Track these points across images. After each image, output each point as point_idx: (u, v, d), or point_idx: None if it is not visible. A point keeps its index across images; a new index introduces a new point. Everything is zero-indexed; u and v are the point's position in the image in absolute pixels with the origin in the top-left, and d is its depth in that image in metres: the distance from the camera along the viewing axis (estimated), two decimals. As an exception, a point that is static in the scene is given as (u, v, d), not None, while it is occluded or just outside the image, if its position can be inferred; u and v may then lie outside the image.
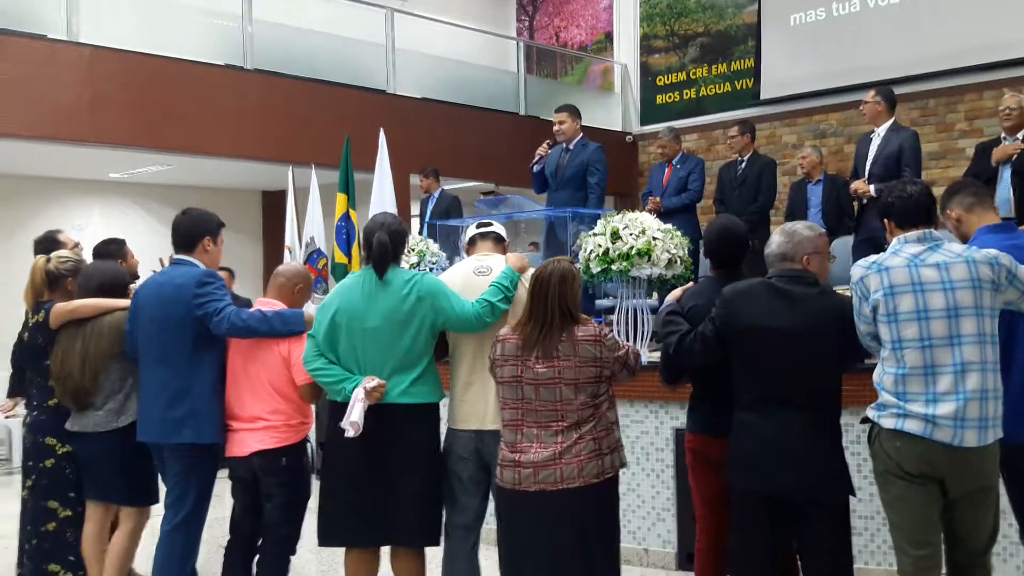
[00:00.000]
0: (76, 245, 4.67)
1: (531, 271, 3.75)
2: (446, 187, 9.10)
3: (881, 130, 6.21)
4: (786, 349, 3.21)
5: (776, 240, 3.41)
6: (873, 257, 3.18)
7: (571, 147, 6.53)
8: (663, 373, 3.71)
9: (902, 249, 3.13)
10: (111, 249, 4.72)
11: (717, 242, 3.73)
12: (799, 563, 3.38)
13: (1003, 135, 5.87)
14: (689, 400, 3.74)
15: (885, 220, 3.26)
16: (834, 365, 3.27)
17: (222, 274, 8.34)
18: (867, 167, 6.19)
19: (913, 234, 3.14)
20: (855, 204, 6.57)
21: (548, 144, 6.59)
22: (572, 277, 3.34)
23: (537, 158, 6.59)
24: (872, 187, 6.01)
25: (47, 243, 4.60)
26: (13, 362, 4.50)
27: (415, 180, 9.65)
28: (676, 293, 3.73)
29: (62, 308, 4.07)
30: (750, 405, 3.29)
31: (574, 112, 6.58)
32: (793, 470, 3.17)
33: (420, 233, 7.81)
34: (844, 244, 6.70)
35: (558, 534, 3.23)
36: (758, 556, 3.30)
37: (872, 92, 6.37)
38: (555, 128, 6.57)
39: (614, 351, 3.31)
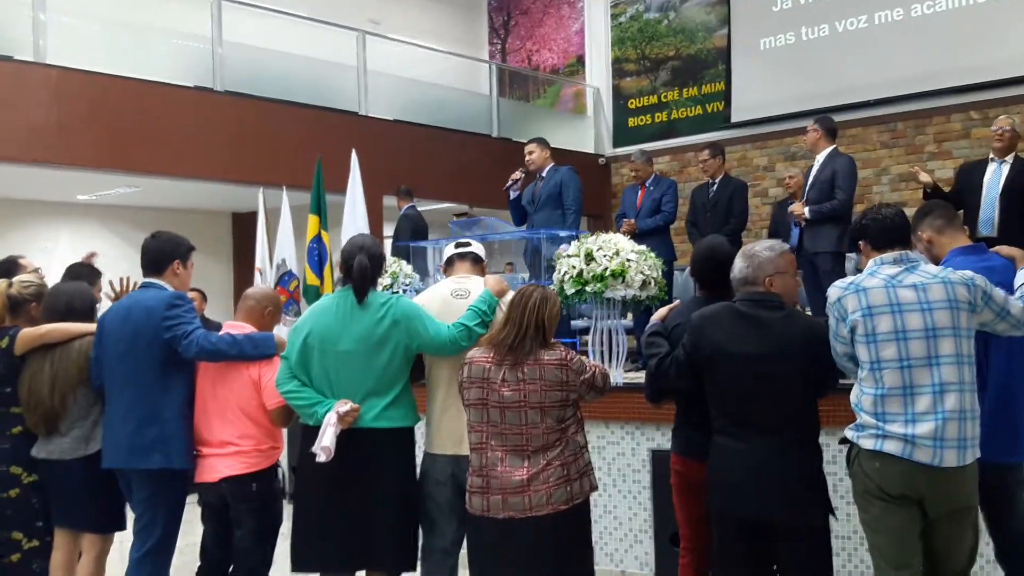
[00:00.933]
0: (36, 270, 4.57)
1: (510, 294, 3.72)
2: (420, 208, 9.07)
3: (820, 157, 6.33)
4: (753, 374, 3.19)
5: (738, 264, 3.37)
6: (850, 278, 3.19)
7: (543, 174, 6.82)
8: (647, 391, 3.69)
9: (879, 271, 3.13)
10: (84, 272, 4.63)
11: (703, 263, 3.71)
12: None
13: (991, 156, 5.93)
14: (675, 421, 3.72)
15: (860, 242, 3.26)
16: (803, 388, 3.22)
17: (193, 296, 8.29)
18: (806, 191, 6.29)
19: (889, 255, 3.14)
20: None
21: (522, 171, 6.79)
22: (554, 301, 3.37)
23: (511, 182, 6.78)
24: (807, 209, 6.10)
25: (6, 267, 4.51)
26: None
27: (388, 201, 9.63)
28: (662, 312, 3.71)
29: (31, 333, 3.98)
30: (724, 429, 3.27)
31: (542, 143, 6.91)
32: (768, 494, 3.15)
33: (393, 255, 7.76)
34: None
35: (529, 562, 3.19)
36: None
37: (812, 121, 6.51)
38: (526, 159, 6.86)
39: (580, 374, 3.28)
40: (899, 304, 3.02)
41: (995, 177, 5.82)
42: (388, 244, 9.09)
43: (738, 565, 3.26)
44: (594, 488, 3.35)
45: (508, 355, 3.26)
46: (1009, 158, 5.85)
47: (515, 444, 3.22)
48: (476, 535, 3.33)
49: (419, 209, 8.93)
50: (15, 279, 4.21)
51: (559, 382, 3.23)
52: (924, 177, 6.08)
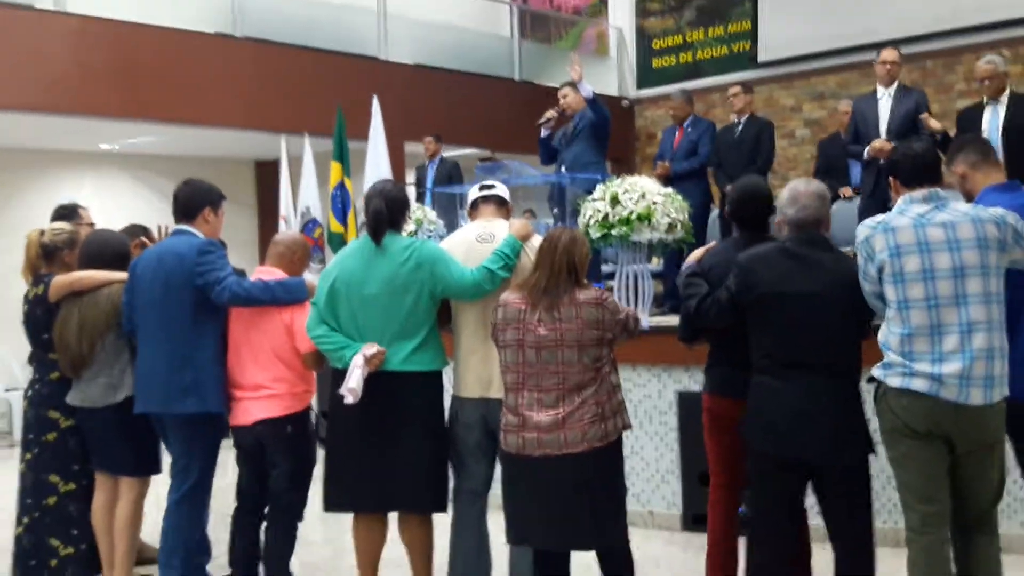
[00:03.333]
0: (92, 225, 4.61)
1: (534, 239, 3.73)
2: (443, 155, 9.05)
3: (891, 89, 6.16)
4: (804, 314, 3.19)
5: (787, 205, 3.34)
6: (879, 217, 3.15)
7: (575, 119, 6.58)
8: (681, 332, 3.68)
9: (908, 209, 3.10)
10: (136, 231, 4.67)
11: (741, 203, 3.67)
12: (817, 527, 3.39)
13: (985, 99, 5.81)
14: (707, 360, 3.72)
15: (891, 178, 3.23)
16: (851, 329, 3.24)
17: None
18: (882, 127, 6.10)
19: (919, 193, 3.10)
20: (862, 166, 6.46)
21: (557, 110, 6.55)
22: (582, 241, 3.39)
23: (545, 119, 6.55)
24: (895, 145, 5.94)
25: (68, 211, 4.54)
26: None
27: (410, 148, 9.58)
28: (697, 253, 3.70)
29: (62, 281, 4.03)
30: (768, 369, 3.26)
31: (574, 87, 6.62)
32: (815, 433, 3.16)
33: (418, 201, 7.75)
34: (849, 206, 6.69)
35: (564, 498, 3.23)
36: (776, 517, 3.29)
37: (896, 52, 6.28)
38: (561, 103, 6.59)
39: (615, 314, 3.32)
40: (927, 243, 3.00)
41: (993, 120, 5.70)
42: (411, 190, 9.08)
43: (777, 504, 3.28)
44: (627, 427, 3.38)
45: (543, 297, 3.28)
46: (1004, 97, 5.73)
47: (551, 383, 3.25)
48: (511, 474, 3.37)
49: (443, 156, 8.90)
50: (47, 227, 4.26)
51: (595, 321, 3.26)
52: (934, 124, 5.94)
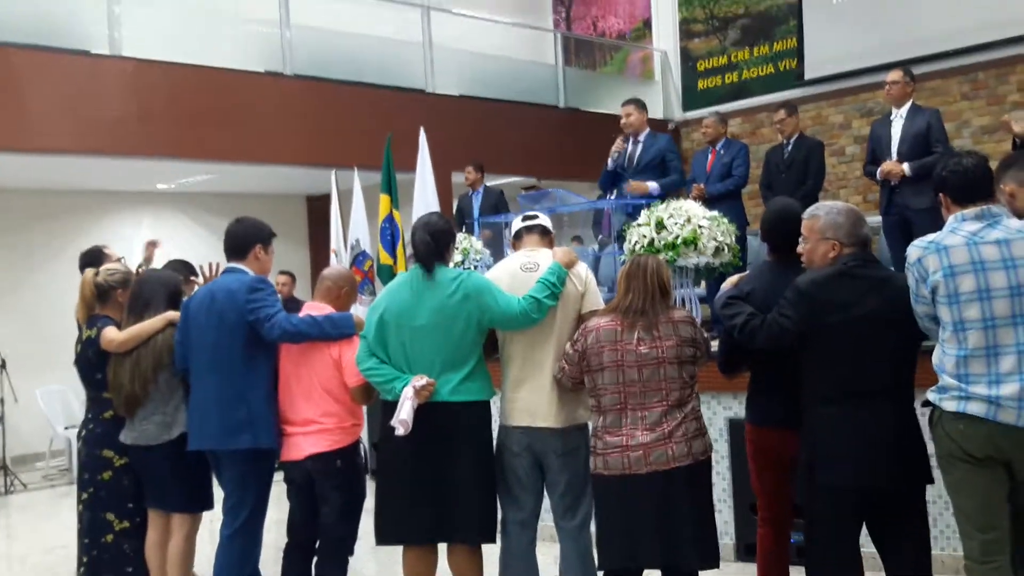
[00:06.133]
0: (120, 259, 4.73)
1: (579, 266, 3.73)
2: (487, 183, 9.09)
3: (903, 111, 6.13)
4: (874, 337, 3.13)
5: (844, 220, 3.26)
6: (930, 236, 3.08)
7: (640, 139, 6.54)
8: (722, 361, 3.65)
9: (960, 227, 3.03)
10: (179, 267, 4.77)
11: (776, 226, 3.62)
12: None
13: None
14: (748, 390, 3.67)
15: (940, 195, 3.15)
16: (911, 350, 3.19)
17: (284, 279, 8.49)
18: (893, 148, 6.07)
19: (971, 211, 3.03)
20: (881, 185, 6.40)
21: (622, 139, 6.52)
22: (665, 264, 3.56)
23: (615, 155, 6.51)
24: (906, 165, 5.89)
25: (93, 255, 4.67)
26: None
27: (457, 178, 9.64)
28: (733, 279, 3.66)
29: (111, 342, 4.09)
30: (833, 399, 3.17)
31: (640, 105, 6.64)
32: (889, 462, 3.11)
33: (461, 230, 7.78)
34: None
35: (671, 513, 3.28)
36: (845, 552, 3.21)
37: (900, 72, 6.25)
38: (623, 121, 6.59)
39: (703, 333, 3.48)
40: (982, 262, 2.93)
41: None
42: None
43: (841, 535, 3.20)
44: (712, 446, 3.48)
45: (639, 318, 3.38)
46: None
47: (654, 400, 3.34)
48: (613, 496, 3.37)
49: (487, 184, 8.93)
50: (102, 268, 4.37)
51: (691, 338, 3.40)
52: (1018, 127, 5.81)
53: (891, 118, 6.24)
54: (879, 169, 6.09)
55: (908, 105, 6.14)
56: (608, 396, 3.38)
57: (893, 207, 6.01)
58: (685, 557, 3.32)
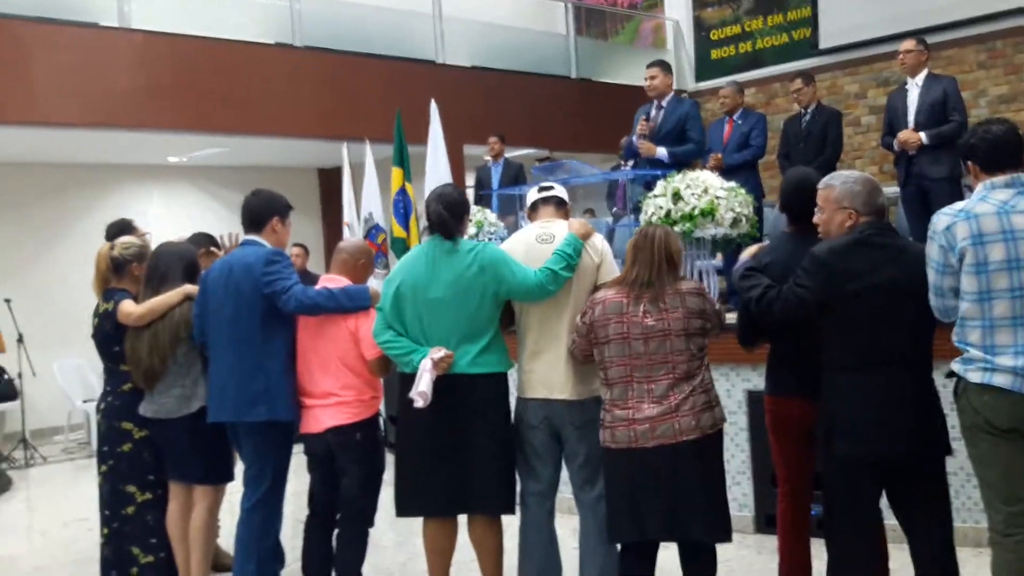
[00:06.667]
0: (146, 234, 4.72)
1: (595, 237, 3.70)
2: (507, 155, 9.04)
3: (919, 79, 6.07)
4: (891, 306, 3.10)
5: (860, 189, 3.23)
6: (959, 204, 3.03)
7: (664, 104, 6.31)
8: (741, 334, 3.61)
9: (989, 195, 2.98)
10: (201, 240, 4.76)
11: (793, 196, 3.58)
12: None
13: None
14: (768, 361, 3.64)
15: (968, 163, 3.10)
16: (929, 318, 3.14)
17: (297, 251, 8.49)
18: (910, 117, 6.02)
19: (1000, 179, 2.98)
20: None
21: (645, 117, 6.31)
22: (675, 235, 3.50)
23: (640, 136, 6.25)
24: (923, 134, 5.83)
25: (121, 226, 4.65)
26: None
27: (469, 150, 9.60)
28: (751, 250, 3.63)
29: (129, 316, 4.07)
30: (850, 366, 3.15)
31: (665, 67, 6.42)
32: (900, 430, 3.08)
33: (478, 203, 7.74)
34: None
35: (679, 487, 3.25)
36: (862, 522, 3.20)
37: (913, 41, 6.18)
38: (646, 84, 6.38)
39: (713, 305, 3.43)
40: (1012, 231, 2.88)
41: None
42: (471, 192, 9.10)
43: (860, 506, 3.19)
44: (724, 419, 3.43)
45: (645, 290, 3.34)
46: None
47: (661, 373, 3.30)
48: (620, 469, 3.36)
49: (507, 157, 8.86)
50: (117, 241, 4.35)
51: (699, 310, 3.34)
52: (914, 138, 5.81)
53: (907, 87, 6.18)
54: (896, 139, 6.03)
55: (924, 74, 6.08)
56: (614, 369, 3.36)
57: (911, 178, 5.96)
58: (693, 532, 3.30)
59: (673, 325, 3.30)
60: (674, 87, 6.62)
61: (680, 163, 6.01)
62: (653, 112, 6.32)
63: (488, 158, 8.80)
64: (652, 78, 6.34)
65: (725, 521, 3.38)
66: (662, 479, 3.26)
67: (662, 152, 6.09)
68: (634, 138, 6.32)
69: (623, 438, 3.30)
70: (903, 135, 5.96)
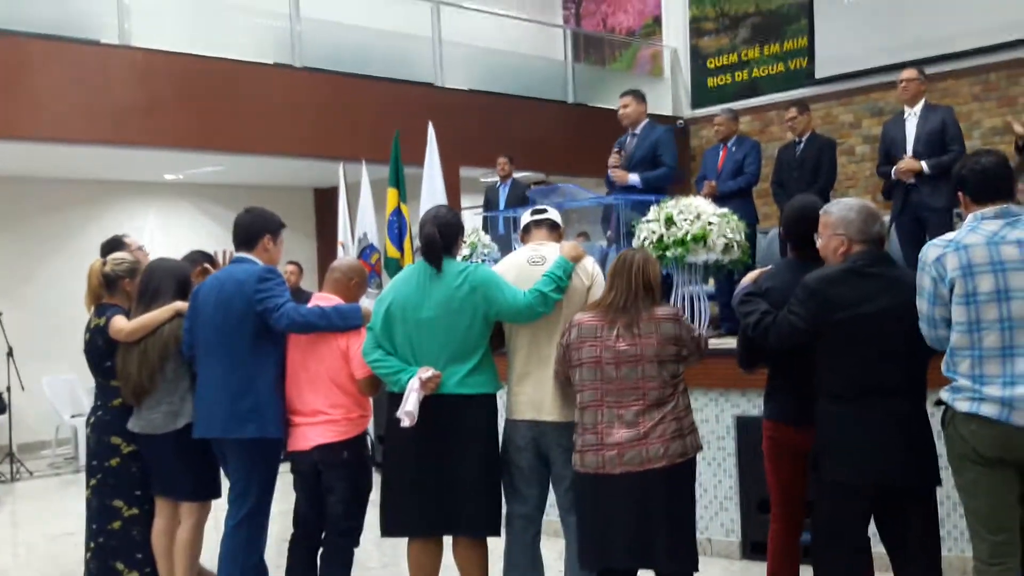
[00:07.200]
0: (140, 248, 4.73)
1: (586, 260, 3.72)
2: (494, 179, 9.08)
3: (917, 109, 6.08)
4: (881, 336, 3.11)
5: (855, 218, 3.23)
6: (949, 235, 3.05)
7: (638, 131, 6.34)
8: (740, 357, 3.62)
9: (979, 226, 3.00)
10: (197, 257, 4.76)
11: (795, 223, 3.59)
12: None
13: None
14: (766, 386, 3.65)
15: (959, 193, 3.12)
16: (924, 348, 3.15)
17: (292, 268, 8.49)
18: (908, 146, 6.02)
19: (990, 210, 3.00)
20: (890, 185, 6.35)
21: (616, 150, 6.33)
22: (655, 260, 3.48)
23: (611, 166, 6.28)
24: (924, 163, 5.85)
25: (112, 245, 4.66)
26: None
27: (465, 172, 9.63)
28: (752, 275, 3.63)
29: (120, 332, 4.08)
30: (843, 396, 3.16)
31: (638, 96, 6.45)
32: (894, 460, 3.09)
33: (484, 226, 7.72)
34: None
35: (644, 515, 3.23)
36: (850, 549, 3.20)
37: (915, 71, 6.21)
38: (620, 112, 6.41)
39: (691, 331, 3.39)
40: (1002, 263, 2.90)
41: None
42: (468, 215, 9.13)
43: (849, 533, 3.19)
44: (699, 448, 3.39)
45: (620, 315, 3.33)
46: None
47: (631, 399, 3.28)
48: (588, 495, 3.35)
49: (515, 177, 8.88)
50: (109, 257, 4.36)
51: (673, 336, 3.32)
52: (1020, 128, 5.79)
53: (904, 117, 6.18)
54: (895, 168, 6.02)
55: (921, 103, 6.10)
56: (586, 392, 3.35)
57: (908, 207, 5.94)
58: (658, 562, 3.28)
59: (646, 351, 3.28)
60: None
61: (653, 188, 6.01)
62: (628, 140, 6.35)
63: (496, 178, 8.85)
64: (625, 106, 6.37)
65: (691, 552, 3.33)
66: (628, 507, 3.24)
67: (634, 178, 6.08)
68: (609, 171, 6.32)
69: (591, 463, 3.29)
70: (904, 163, 5.95)
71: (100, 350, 4.19)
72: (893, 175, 6.06)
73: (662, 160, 6.16)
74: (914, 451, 3.12)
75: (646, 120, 6.38)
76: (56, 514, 6.73)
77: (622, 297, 3.34)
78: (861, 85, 10.73)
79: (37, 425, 8.98)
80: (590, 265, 3.75)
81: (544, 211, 3.97)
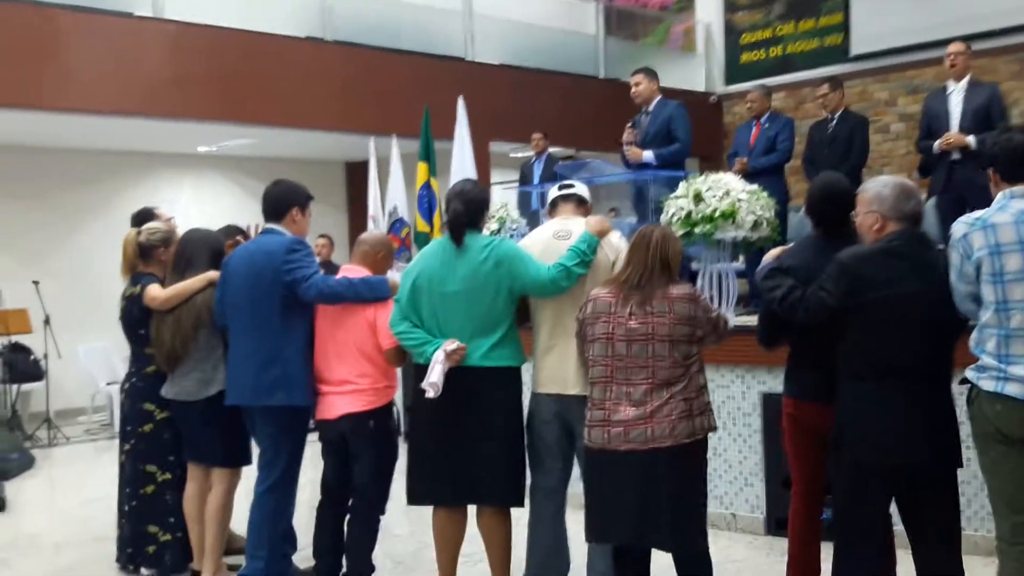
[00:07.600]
0: (170, 219, 4.80)
1: (612, 234, 3.72)
2: (525, 154, 9.07)
3: (963, 84, 5.97)
4: (912, 317, 3.08)
5: (893, 195, 3.19)
6: (977, 213, 3.01)
7: (650, 109, 6.36)
8: (761, 334, 3.60)
9: (1008, 204, 2.96)
10: (232, 231, 4.83)
11: (820, 201, 3.54)
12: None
13: None
14: (787, 363, 3.63)
15: (990, 171, 3.08)
16: (952, 330, 3.13)
17: (323, 241, 8.58)
18: (954, 121, 5.92)
19: (1020, 188, 2.97)
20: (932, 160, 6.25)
21: (631, 125, 6.36)
22: (675, 238, 3.42)
23: (625, 143, 6.31)
24: (971, 138, 5.73)
25: (144, 215, 4.74)
26: None
27: (495, 147, 9.62)
28: (775, 252, 3.59)
29: (155, 300, 4.16)
30: (866, 375, 3.13)
31: (650, 74, 6.44)
32: (916, 440, 3.07)
33: (521, 200, 7.71)
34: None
35: (646, 493, 3.21)
36: (870, 528, 3.19)
37: (963, 44, 6.09)
38: (632, 91, 6.43)
39: (708, 312, 3.32)
40: None
41: None
42: (498, 189, 9.13)
43: (870, 512, 3.19)
44: (713, 428, 3.36)
45: (635, 292, 3.29)
46: None
47: (640, 377, 3.25)
48: (593, 469, 3.37)
49: (550, 152, 8.88)
50: (144, 227, 4.44)
51: (687, 316, 3.26)
52: (963, 141, 5.71)
53: (947, 92, 6.06)
54: (939, 141, 5.90)
55: (967, 79, 5.98)
56: (597, 368, 3.34)
57: (951, 184, 5.83)
58: (659, 540, 3.27)
59: (657, 330, 3.24)
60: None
61: (668, 163, 6.01)
62: (642, 118, 6.35)
63: (531, 153, 8.85)
64: (636, 84, 6.38)
65: (695, 532, 3.30)
66: (631, 484, 3.22)
67: (648, 155, 6.11)
68: (624, 148, 6.33)
69: (598, 439, 3.29)
70: (952, 136, 5.84)
71: (135, 318, 4.27)
72: (936, 148, 5.96)
73: (676, 135, 6.18)
74: (935, 432, 3.10)
75: (659, 97, 6.38)
76: (90, 479, 6.89)
77: (637, 274, 3.31)
78: (897, 62, 10.57)
79: (73, 392, 9.17)
80: (616, 239, 3.75)
81: (571, 186, 3.98)
